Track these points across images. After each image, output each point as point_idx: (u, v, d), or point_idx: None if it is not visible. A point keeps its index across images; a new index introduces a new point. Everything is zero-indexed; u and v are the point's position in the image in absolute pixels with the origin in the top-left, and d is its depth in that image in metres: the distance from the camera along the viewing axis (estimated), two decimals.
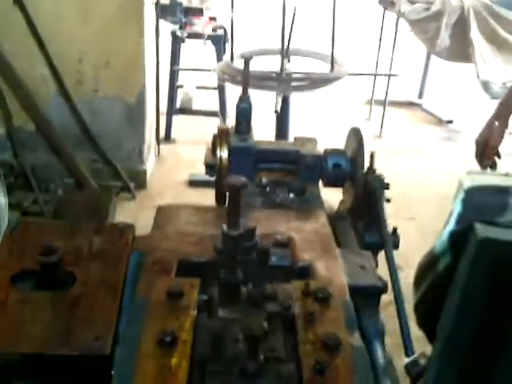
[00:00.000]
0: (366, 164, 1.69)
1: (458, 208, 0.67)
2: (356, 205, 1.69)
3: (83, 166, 3.45)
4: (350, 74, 3.14)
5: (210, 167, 1.76)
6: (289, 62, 3.21)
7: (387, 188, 1.69)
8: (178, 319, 1.06)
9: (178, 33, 4.41)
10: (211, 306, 1.11)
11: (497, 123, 2.19)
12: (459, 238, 0.64)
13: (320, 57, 3.33)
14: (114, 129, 3.67)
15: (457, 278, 0.60)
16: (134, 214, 3.43)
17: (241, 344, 1.03)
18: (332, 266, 1.32)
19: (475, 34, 4.72)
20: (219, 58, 4.44)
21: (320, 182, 1.70)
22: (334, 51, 3.10)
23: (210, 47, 4.60)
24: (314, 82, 2.99)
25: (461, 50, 4.86)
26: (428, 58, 5.68)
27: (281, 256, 1.34)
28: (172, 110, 4.68)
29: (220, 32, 4.50)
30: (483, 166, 2.22)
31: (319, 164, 1.66)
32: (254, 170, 1.65)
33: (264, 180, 1.66)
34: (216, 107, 4.72)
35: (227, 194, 1.10)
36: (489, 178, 0.68)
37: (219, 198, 1.68)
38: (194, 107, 4.81)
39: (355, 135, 1.70)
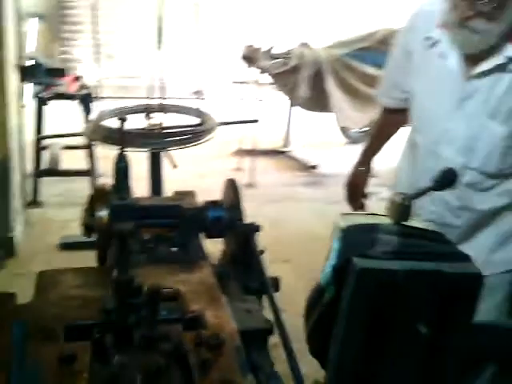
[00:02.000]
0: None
1: (336, 245, 0.75)
2: (236, 253, 1.75)
3: None
4: (219, 124, 3.25)
5: (87, 228, 1.74)
6: (151, 118, 3.26)
7: (257, 230, 1.77)
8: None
9: (42, 94, 4.33)
10: (106, 355, 1.11)
11: (361, 168, 2.36)
12: (340, 271, 0.71)
13: (188, 111, 3.42)
14: None
15: (341, 307, 0.68)
16: (6, 283, 3.25)
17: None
18: (221, 313, 1.36)
19: (331, 85, 5.09)
20: (86, 118, 4.40)
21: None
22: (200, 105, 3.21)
23: (76, 106, 4.55)
24: (193, 135, 3.05)
25: (319, 101, 5.20)
26: (291, 108, 5.99)
27: (170, 310, 1.35)
28: (38, 173, 4.53)
29: (86, 91, 4.47)
30: (354, 208, 2.38)
31: (199, 216, 1.70)
32: (135, 227, 1.65)
33: (146, 236, 1.67)
34: (84, 166, 4.64)
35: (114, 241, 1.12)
36: (359, 218, 0.77)
37: (101, 259, 1.66)
38: (62, 168, 4.70)
39: (231, 186, 1.77)
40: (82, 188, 4.12)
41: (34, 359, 1.15)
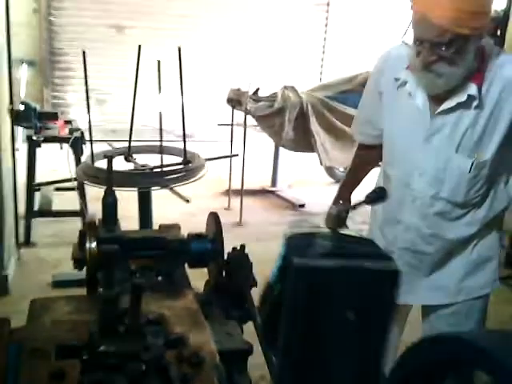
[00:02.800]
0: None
1: (282, 250, 0.88)
2: (220, 282, 1.85)
3: None
4: (206, 160, 3.39)
5: (78, 261, 1.84)
6: (134, 158, 3.39)
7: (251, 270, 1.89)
8: None
9: (34, 137, 4.46)
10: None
11: (341, 201, 2.48)
12: (284, 270, 0.84)
13: (174, 151, 3.55)
14: None
15: (285, 299, 0.80)
16: None
17: None
18: (202, 335, 1.46)
19: (315, 126, 5.26)
20: (77, 160, 4.52)
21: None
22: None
23: (67, 149, 4.67)
24: (183, 175, 3.18)
25: (304, 141, 5.37)
26: (277, 148, 6.15)
27: (154, 333, 1.45)
28: (31, 214, 4.63)
29: (77, 134, 4.61)
30: None
31: (184, 248, 1.81)
32: (123, 258, 1.76)
33: (133, 267, 1.78)
34: (75, 207, 4.74)
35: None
36: (303, 229, 0.90)
37: (90, 287, 1.77)
38: (54, 209, 4.80)
39: (213, 219, 1.89)
40: (74, 228, 4.19)
41: (27, 377, 1.24)
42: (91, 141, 3.37)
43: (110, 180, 1.79)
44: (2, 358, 1.34)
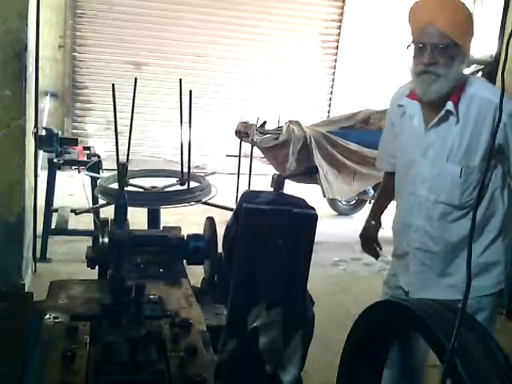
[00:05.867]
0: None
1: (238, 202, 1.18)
2: (213, 277, 2.13)
3: None
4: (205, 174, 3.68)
5: (90, 260, 2.13)
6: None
7: None
8: (76, 343, 1.42)
9: (55, 159, 4.81)
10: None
11: (372, 221, 2.78)
12: (238, 215, 1.13)
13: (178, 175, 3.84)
14: None
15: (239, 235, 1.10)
16: None
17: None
18: (192, 311, 1.73)
19: (318, 159, 5.52)
20: (93, 183, 4.85)
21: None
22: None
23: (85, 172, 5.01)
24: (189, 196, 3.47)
25: (307, 173, 5.63)
26: (283, 180, 6.43)
27: (152, 309, 1.73)
28: (48, 231, 4.94)
29: (95, 159, 4.95)
30: (369, 254, 2.80)
31: (183, 246, 2.10)
32: (131, 252, 2.05)
33: (139, 259, 2.06)
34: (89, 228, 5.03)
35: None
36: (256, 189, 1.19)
37: (100, 274, 2.06)
38: (70, 228, 5.11)
39: (210, 223, 2.18)
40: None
41: (47, 332, 1.52)
42: (118, 164, 3.64)
43: (122, 184, 2.09)
44: (26, 322, 1.62)
